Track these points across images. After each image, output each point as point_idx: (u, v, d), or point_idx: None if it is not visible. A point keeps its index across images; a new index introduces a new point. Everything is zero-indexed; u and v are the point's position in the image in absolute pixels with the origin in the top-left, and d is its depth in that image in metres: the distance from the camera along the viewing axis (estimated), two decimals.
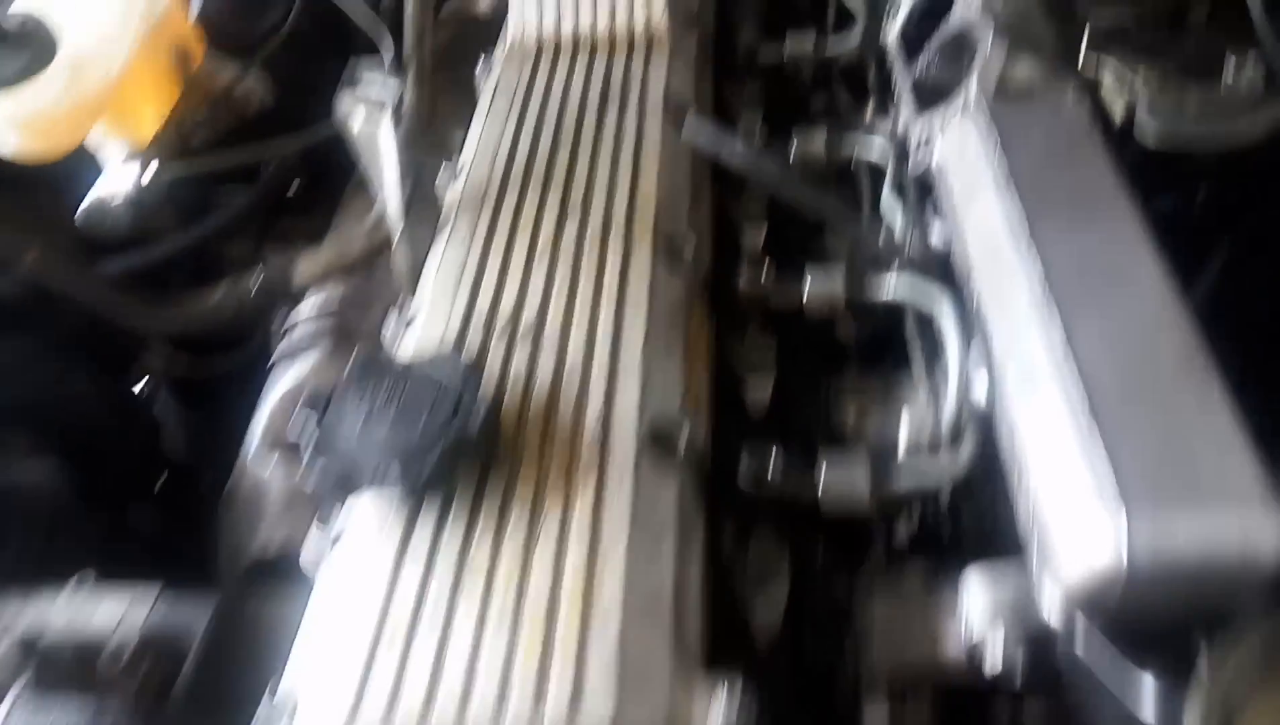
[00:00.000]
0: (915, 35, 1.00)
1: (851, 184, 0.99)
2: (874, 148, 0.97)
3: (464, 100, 1.16)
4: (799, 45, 1.16)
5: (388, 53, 1.18)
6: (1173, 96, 0.76)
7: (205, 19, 1.26)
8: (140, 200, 1.10)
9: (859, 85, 1.16)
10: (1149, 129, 0.75)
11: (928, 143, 0.84)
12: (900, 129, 0.93)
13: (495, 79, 1.04)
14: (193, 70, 1.19)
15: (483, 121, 0.98)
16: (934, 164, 0.84)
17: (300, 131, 1.20)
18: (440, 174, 0.92)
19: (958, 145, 0.81)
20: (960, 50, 0.90)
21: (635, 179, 0.88)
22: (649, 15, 1.06)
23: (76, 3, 1.03)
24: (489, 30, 1.36)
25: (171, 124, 1.14)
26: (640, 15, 1.06)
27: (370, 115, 0.79)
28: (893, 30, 1.03)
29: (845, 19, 1.20)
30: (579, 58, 1.04)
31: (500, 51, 1.10)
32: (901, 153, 0.90)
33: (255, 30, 1.28)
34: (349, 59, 1.28)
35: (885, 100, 1.04)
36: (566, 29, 1.07)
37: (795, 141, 0.99)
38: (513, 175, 0.89)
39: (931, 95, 0.89)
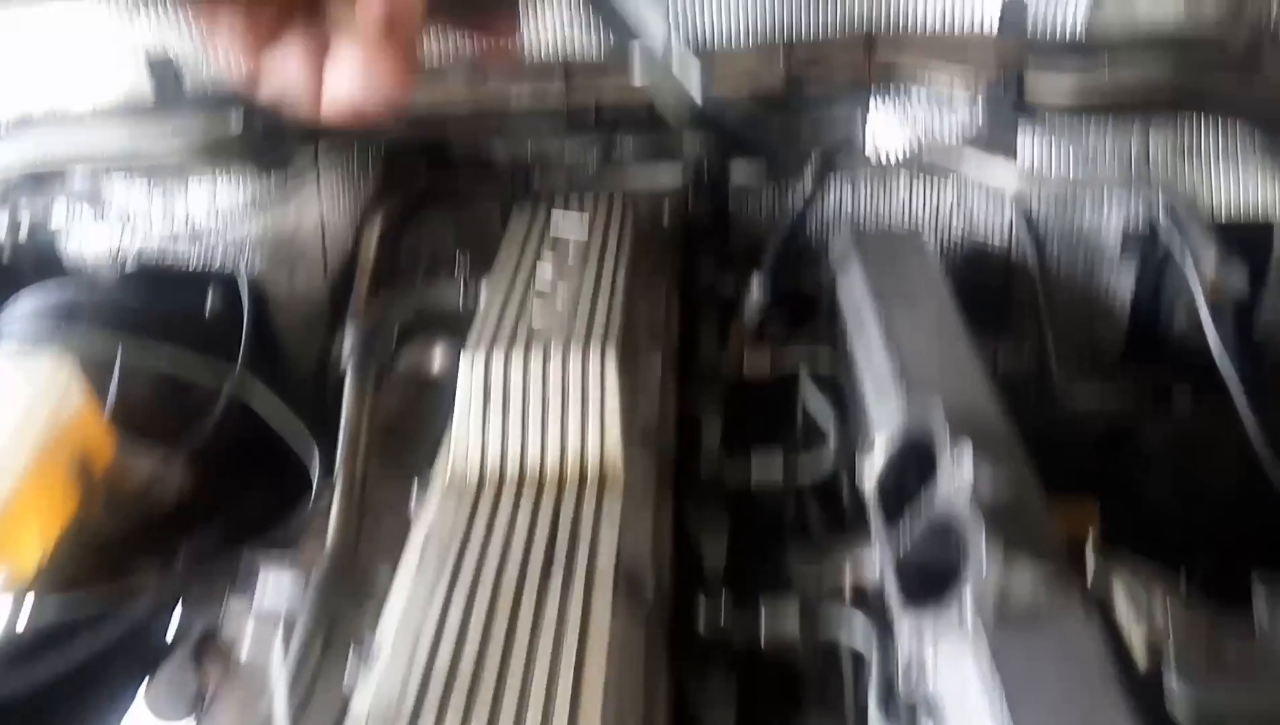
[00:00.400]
0: (894, 489, 0.92)
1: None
2: (856, 630, 0.86)
3: (395, 522, 1.05)
4: (766, 469, 1.07)
5: (314, 465, 1.07)
6: (1202, 645, 0.66)
7: (122, 408, 1.15)
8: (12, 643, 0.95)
9: (832, 501, 1.08)
10: (1182, 699, 0.64)
11: (920, 664, 0.73)
12: (887, 612, 0.82)
13: (428, 523, 0.92)
14: (97, 474, 1.07)
15: (409, 583, 0.85)
16: (930, 690, 0.72)
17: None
18: (349, 664, 0.78)
19: (956, 674, 0.69)
20: (947, 536, 0.80)
21: (579, 676, 0.75)
22: (602, 449, 0.96)
23: None
24: (440, 399, 1.28)
25: (61, 545, 1.01)
26: (594, 449, 0.96)
27: (261, 630, 0.66)
28: (868, 477, 0.94)
29: (814, 434, 1.13)
30: (524, 498, 0.93)
31: (438, 478, 1.00)
32: (885, 657, 0.79)
33: (178, 420, 1.18)
34: (275, 462, 1.19)
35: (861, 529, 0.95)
36: (512, 460, 0.97)
37: (764, 613, 0.88)
38: (433, 677, 0.75)
39: (918, 584, 0.79)
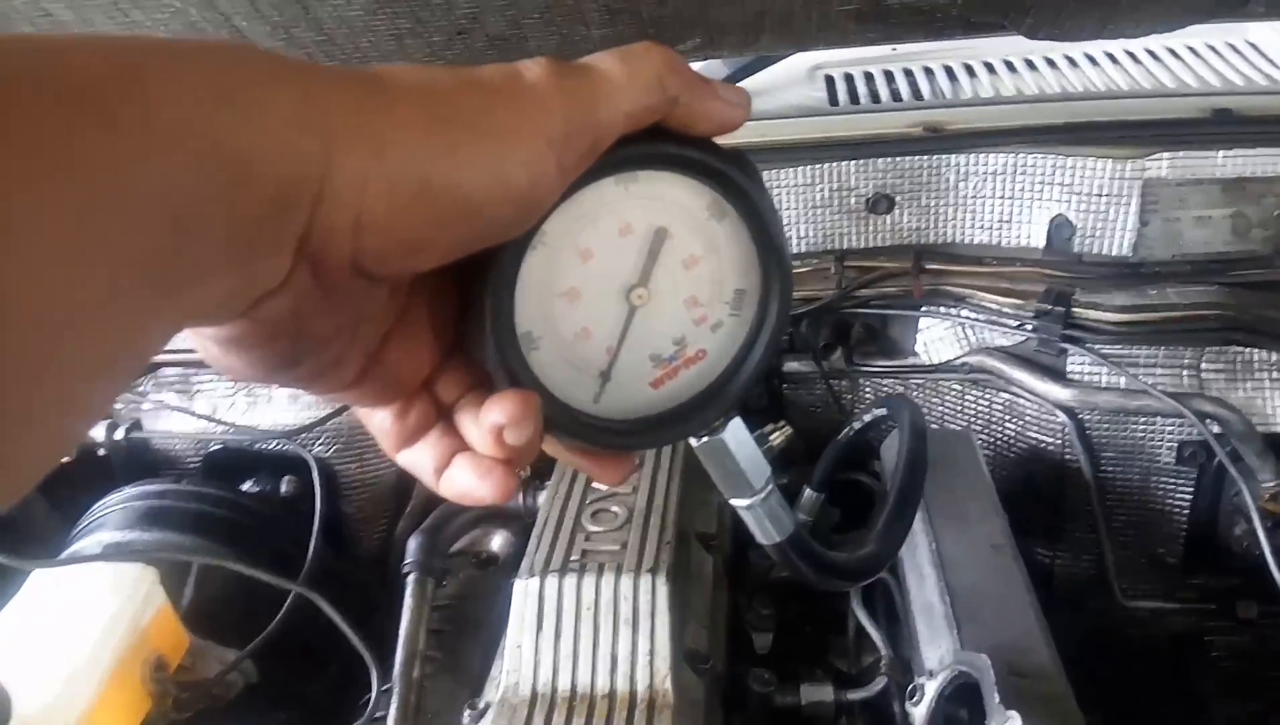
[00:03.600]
0: None
1: None
2: None
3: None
4: (817, 693, 1.07)
5: (374, 671, 1.11)
6: None
7: (195, 607, 1.21)
8: None
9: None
10: None
11: None
12: None
13: None
14: (171, 673, 1.12)
15: None
16: None
17: None
18: None
19: None
20: None
21: None
22: (652, 672, 0.98)
23: (47, 641, 0.99)
24: (498, 583, 1.31)
25: None
26: (643, 672, 0.98)
27: None
28: (917, 715, 0.94)
29: (866, 649, 1.14)
30: (574, 721, 0.96)
31: (489, 691, 1.02)
32: None
33: (247, 617, 1.23)
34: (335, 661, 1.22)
35: None
36: (563, 682, 0.99)
37: None
38: None
39: None
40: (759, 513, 0.54)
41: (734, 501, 0.53)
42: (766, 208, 0.43)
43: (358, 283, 0.35)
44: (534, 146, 0.35)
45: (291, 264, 0.33)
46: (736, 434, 0.49)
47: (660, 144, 0.40)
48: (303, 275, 0.34)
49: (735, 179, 0.42)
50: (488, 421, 0.40)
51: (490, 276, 0.40)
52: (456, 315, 0.43)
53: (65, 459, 1.37)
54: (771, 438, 0.56)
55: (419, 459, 0.44)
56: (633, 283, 0.43)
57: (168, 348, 1.38)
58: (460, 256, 0.37)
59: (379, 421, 0.44)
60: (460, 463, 0.43)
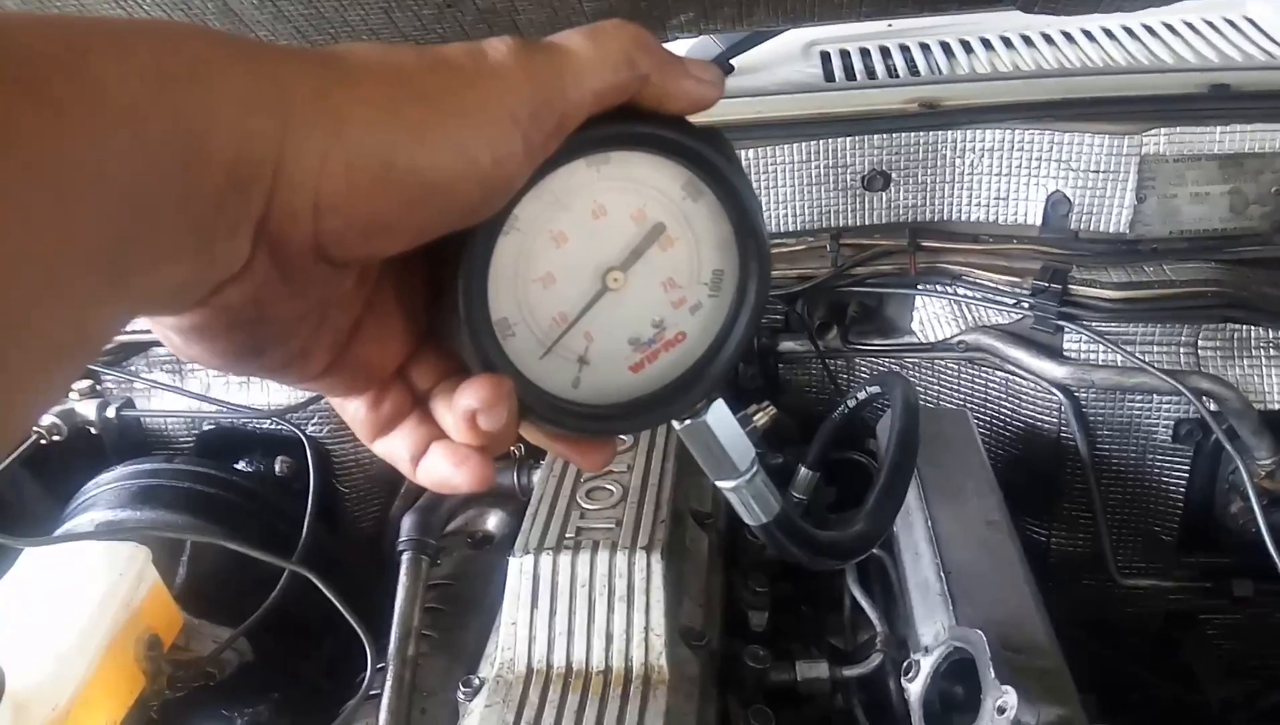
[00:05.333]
0: (939, 704, 0.92)
1: None
2: None
3: (444, 713, 1.08)
4: (813, 669, 1.07)
5: (370, 648, 1.11)
6: None
7: (189, 585, 1.21)
8: None
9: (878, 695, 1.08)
10: None
11: None
12: None
13: (477, 720, 0.95)
14: (164, 650, 1.12)
15: None
16: None
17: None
18: None
19: None
20: None
21: None
22: (647, 649, 0.98)
23: (40, 619, 0.98)
24: (493, 562, 1.31)
25: (129, 718, 1.05)
26: (638, 649, 0.98)
27: None
28: (912, 694, 0.94)
29: (861, 626, 1.14)
30: (570, 696, 0.96)
31: (484, 668, 1.02)
32: None
33: (241, 595, 1.23)
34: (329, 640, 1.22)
35: None
36: (558, 659, 0.99)
37: None
38: None
39: None
40: (745, 494, 0.54)
41: (719, 483, 0.53)
42: (743, 186, 0.42)
43: (320, 268, 0.34)
44: (499, 125, 0.35)
45: (250, 248, 0.32)
46: (719, 416, 0.48)
47: (631, 123, 0.39)
48: (262, 261, 0.33)
49: (710, 158, 0.41)
50: (460, 407, 0.40)
51: (462, 264, 0.39)
52: (428, 302, 0.42)
53: (42, 442, 1.37)
54: (755, 418, 0.56)
55: (395, 448, 0.43)
56: (610, 266, 0.42)
57: None
58: (426, 241, 0.36)
59: (353, 411, 0.43)
60: (436, 451, 0.42)
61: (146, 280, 0.30)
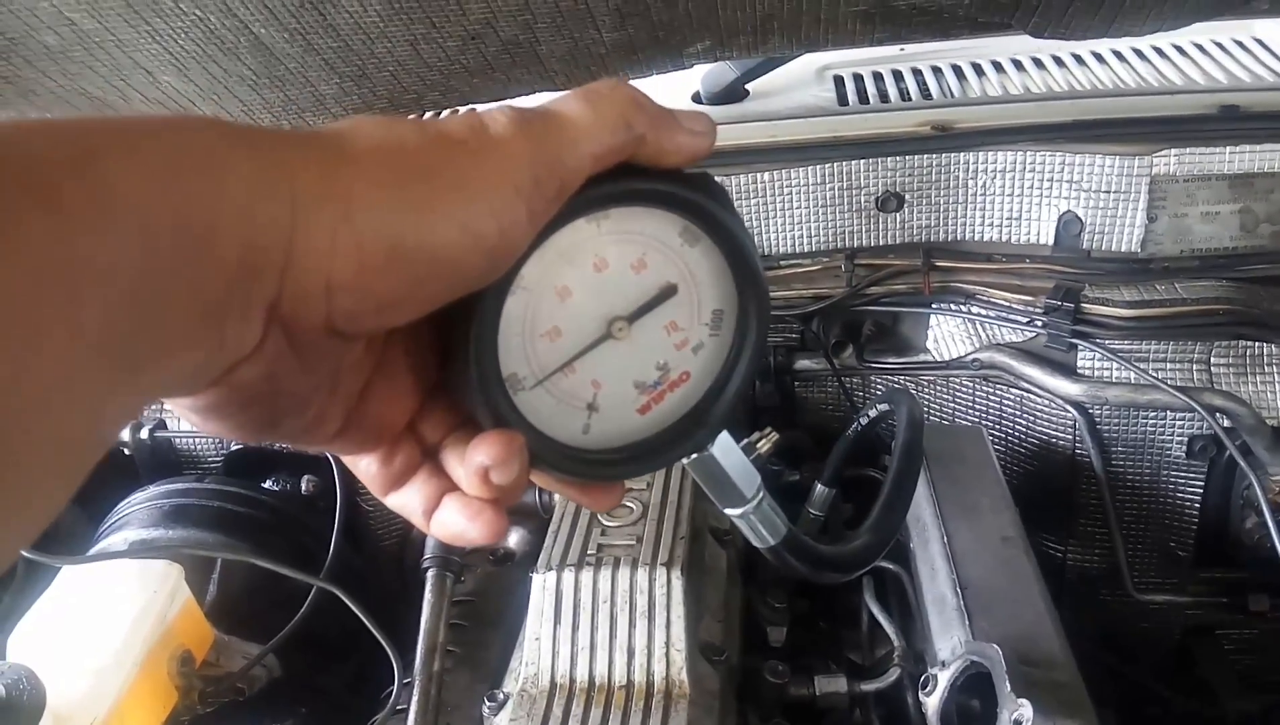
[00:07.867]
0: (956, 719, 0.93)
1: None
2: None
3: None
4: (831, 684, 1.09)
5: (396, 663, 1.13)
6: None
7: (220, 602, 1.24)
8: None
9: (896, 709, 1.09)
10: None
11: None
12: None
13: None
14: (195, 668, 1.14)
15: None
16: None
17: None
18: None
19: None
20: None
21: None
22: (668, 664, 1.00)
23: (77, 635, 1.01)
24: (514, 578, 1.33)
25: None
26: (659, 664, 1.00)
27: None
28: (930, 705, 0.95)
29: (879, 641, 1.15)
30: (592, 711, 0.98)
31: (508, 683, 1.04)
32: None
33: (270, 611, 1.25)
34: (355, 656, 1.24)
35: None
36: (581, 674, 1.01)
37: None
38: None
39: None
40: (752, 519, 0.55)
41: (728, 511, 0.54)
42: (738, 228, 0.44)
43: (332, 342, 0.35)
44: (503, 197, 0.35)
45: (263, 330, 0.33)
46: (725, 447, 0.49)
47: (628, 181, 0.40)
48: (275, 340, 0.34)
49: (705, 205, 0.43)
50: (473, 463, 0.40)
51: (472, 327, 0.40)
52: (436, 357, 0.43)
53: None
54: (759, 446, 0.57)
55: (408, 502, 0.44)
56: (614, 315, 0.44)
57: None
58: (435, 309, 0.37)
59: (365, 467, 0.43)
60: (450, 505, 0.42)
61: (158, 368, 0.30)
